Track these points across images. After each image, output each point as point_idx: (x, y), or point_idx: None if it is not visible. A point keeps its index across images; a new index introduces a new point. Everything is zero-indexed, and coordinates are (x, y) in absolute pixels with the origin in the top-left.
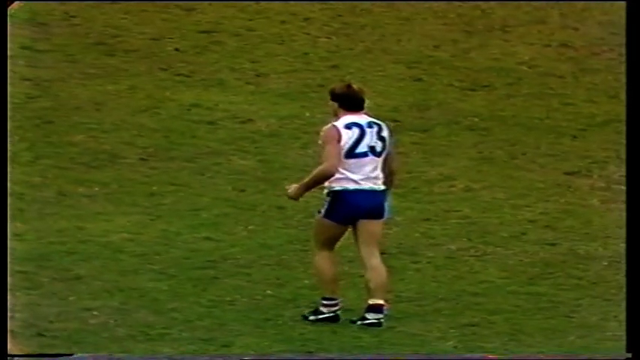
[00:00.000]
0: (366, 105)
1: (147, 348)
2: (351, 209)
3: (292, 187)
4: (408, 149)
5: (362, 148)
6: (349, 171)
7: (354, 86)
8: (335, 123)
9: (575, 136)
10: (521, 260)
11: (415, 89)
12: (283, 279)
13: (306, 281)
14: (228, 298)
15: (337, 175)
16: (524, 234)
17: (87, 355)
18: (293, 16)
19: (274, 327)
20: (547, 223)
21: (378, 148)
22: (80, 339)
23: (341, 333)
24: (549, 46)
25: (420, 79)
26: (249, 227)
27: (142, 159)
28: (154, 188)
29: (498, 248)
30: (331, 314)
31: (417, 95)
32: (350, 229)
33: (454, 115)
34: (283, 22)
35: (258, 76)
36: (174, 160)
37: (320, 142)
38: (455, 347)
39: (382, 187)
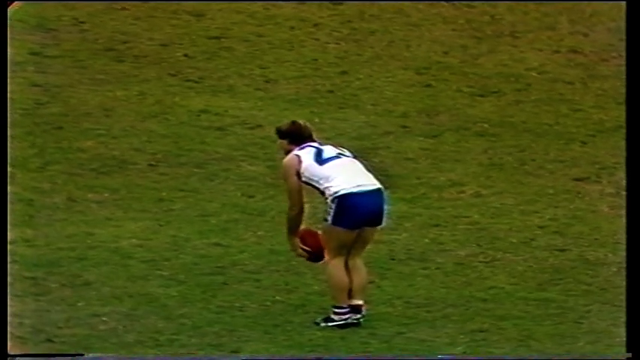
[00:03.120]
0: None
1: (156, 354)
2: (360, 214)
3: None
4: (417, 155)
5: (329, 154)
6: (335, 174)
7: (300, 122)
8: (292, 153)
9: (584, 142)
10: (531, 266)
11: (424, 95)
12: (292, 285)
13: (316, 287)
14: (237, 304)
15: (330, 183)
16: (533, 240)
17: (91, 355)
18: (302, 22)
19: (283, 333)
20: (556, 229)
21: (347, 153)
22: (89, 345)
23: (349, 339)
24: (558, 52)
25: (429, 85)
26: (259, 233)
27: (151, 165)
28: (163, 194)
29: (507, 254)
30: (342, 322)
31: (426, 101)
32: None
33: (463, 121)
34: (292, 27)
35: (267, 81)
36: (183, 166)
37: (281, 177)
38: (464, 352)
39: (379, 186)
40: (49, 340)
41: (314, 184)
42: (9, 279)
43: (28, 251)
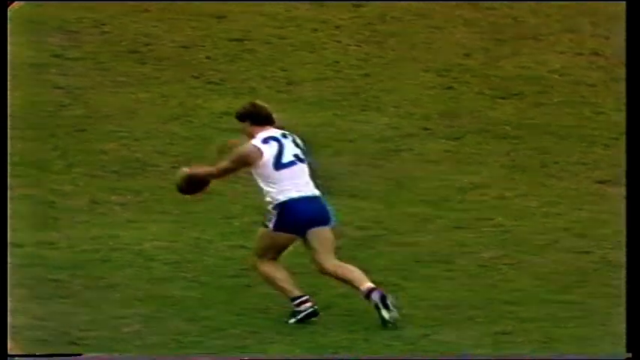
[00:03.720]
0: (275, 119)
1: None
2: (301, 218)
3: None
4: (439, 157)
5: (287, 157)
6: (285, 182)
7: (258, 102)
8: (254, 142)
9: (606, 145)
10: (555, 268)
11: (446, 97)
12: (316, 287)
13: (340, 289)
14: (260, 306)
15: (277, 189)
16: (557, 242)
17: (90, 355)
18: (324, 24)
19: (307, 335)
20: (580, 231)
21: (301, 155)
22: (112, 347)
23: (373, 341)
24: (580, 54)
25: (450, 88)
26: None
27: (174, 167)
28: (186, 196)
29: (531, 256)
30: (310, 310)
31: (448, 103)
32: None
33: (485, 124)
34: (314, 30)
35: (289, 84)
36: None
37: (231, 154)
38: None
39: (319, 193)
40: (73, 343)
41: (261, 181)
42: (32, 282)
43: (52, 253)
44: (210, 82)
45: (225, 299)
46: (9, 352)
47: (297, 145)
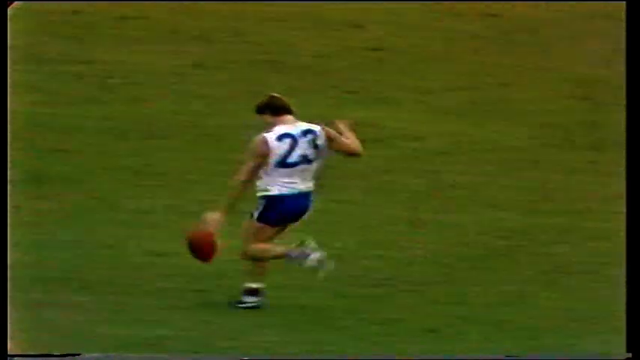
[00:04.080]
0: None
1: None
2: (285, 213)
3: (212, 218)
4: (580, 167)
5: (293, 158)
6: (281, 178)
7: (275, 94)
8: (266, 134)
9: None
10: None
11: (585, 108)
12: (458, 297)
13: (482, 299)
14: (399, 316)
15: (271, 181)
16: None
17: (92, 355)
18: (460, 33)
19: (448, 343)
20: None
21: (311, 156)
22: (254, 356)
23: (510, 348)
24: None
25: (589, 98)
26: (421, 245)
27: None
28: (326, 206)
29: None
30: (316, 252)
31: (588, 114)
32: None
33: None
34: (450, 39)
35: (426, 93)
36: (344, 177)
37: (247, 150)
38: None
39: (311, 189)
40: (216, 351)
41: (262, 169)
42: (176, 292)
43: (195, 263)
44: (347, 92)
45: (365, 309)
46: (9, 352)
47: (313, 146)
